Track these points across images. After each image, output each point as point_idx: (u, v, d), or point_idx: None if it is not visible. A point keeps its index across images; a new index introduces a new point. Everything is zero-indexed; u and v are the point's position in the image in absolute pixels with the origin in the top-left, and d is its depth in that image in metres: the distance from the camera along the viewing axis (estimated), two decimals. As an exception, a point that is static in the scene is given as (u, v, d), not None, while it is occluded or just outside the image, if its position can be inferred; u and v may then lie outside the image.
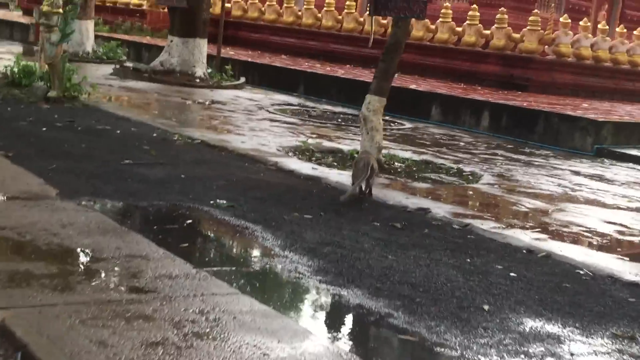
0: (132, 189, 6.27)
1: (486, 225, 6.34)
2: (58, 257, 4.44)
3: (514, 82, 17.95)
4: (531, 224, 6.62)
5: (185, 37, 16.33)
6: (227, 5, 25.44)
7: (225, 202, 6.14)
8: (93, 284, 4.07)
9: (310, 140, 10.19)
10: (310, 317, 4.21)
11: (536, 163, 10.72)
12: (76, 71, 11.64)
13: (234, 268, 4.77)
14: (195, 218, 5.76)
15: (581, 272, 5.34)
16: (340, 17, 22.24)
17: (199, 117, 11.50)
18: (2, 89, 11.30)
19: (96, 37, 22.04)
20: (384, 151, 9.73)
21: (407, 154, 10.06)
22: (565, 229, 6.60)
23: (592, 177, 9.96)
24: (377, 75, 9.03)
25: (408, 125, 13.56)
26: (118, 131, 9.03)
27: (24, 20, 25.93)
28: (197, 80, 16.13)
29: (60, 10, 10.95)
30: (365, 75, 17.25)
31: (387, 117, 14.14)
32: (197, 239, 5.47)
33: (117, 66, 16.74)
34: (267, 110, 13.23)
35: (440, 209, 6.75)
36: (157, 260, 4.50)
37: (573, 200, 8.06)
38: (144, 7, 26.82)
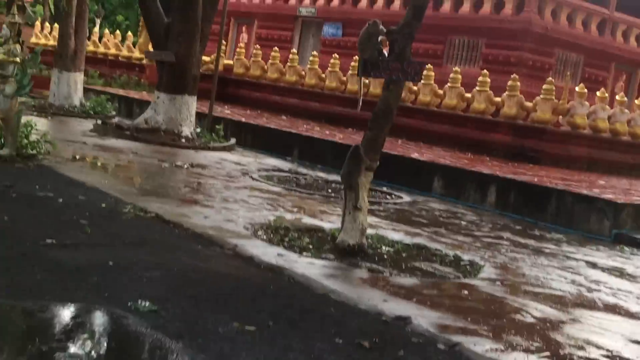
0: (33, 280, 4.98)
1: (480, 346, 4.99)
2: None
3: (525, 154, 16.70)
4: (538, 344, 5.25)
5: (173, 94, 15.23)
6: (229, 62, 24.58)
7: (148, 303, 4.83)
8: None
9: (288, 216, 8.93)
10: None
11: (547, 250, 9.38)
12: (34, 127, 10.45)
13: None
14: (93, 329, 4.44)
15: None
16: (344, 78, 21.17)
17: (169, 183, 10.26)
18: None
19: (88, 90, 21.12)
20: (371, 231, 8.47)
21: (398, 235, 8.76)
22: (580, 354, 5.23)
23: (611, 271, 8.60)
24: (364, 146, 7.78)
25: (406, 198, 12.28)
26: (60, 200, 7.78)
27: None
28: (183, 140, 14.96)
29: (18, 59, 9.79)
30: (359, 138, 16.04)
31: (384, 188, 12.99)
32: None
33: (100, 122, 15.60)
34: (251, 177, 12.00)
35: (425, 319, 5.41)
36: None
37: (590, 305, 6.70)
38: (144, 61, 25.87)
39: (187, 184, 10.33)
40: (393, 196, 12.36)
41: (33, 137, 10.31)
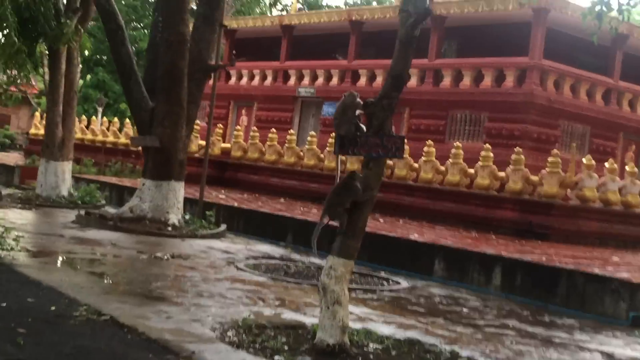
0: None
1: None
2: None
3: (532, 231, 15.82)
4: None
5: (159, 180, 14.52)
6: (227, 145, 24.01)
7: None
8: None
9: (268, 311, 8.06)
10: None
11: (557, 340, 8.41)
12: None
13: None
14: None
15: None
16: (344, 158, 20.43)
17: (140, 277, 9.41)
18: None
19: (80, 179, 20.51)
20: (358, 326, 7.60)
21: (389, 329, 7.84)
22: None
23: (630, 363, 7.63)
24: (341, 232, 6.94)
25: (404, 284, 11.36)
26: (4, 304, 6.93)
27: (11, 161, 24.49)
28: (170, 229, 14.16)
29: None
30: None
31: (382, 273, 12.10)
32: None
33: (83, 213, 14.85)
34: (237, 266, 11.15)
35: None
36: None
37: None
38: (140, 148, 25.29)
39: (161, 278, 9.48)
40: (390, 282, 11.46)
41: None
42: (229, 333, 6.90)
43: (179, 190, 14.70)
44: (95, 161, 24.92)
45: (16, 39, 14.01)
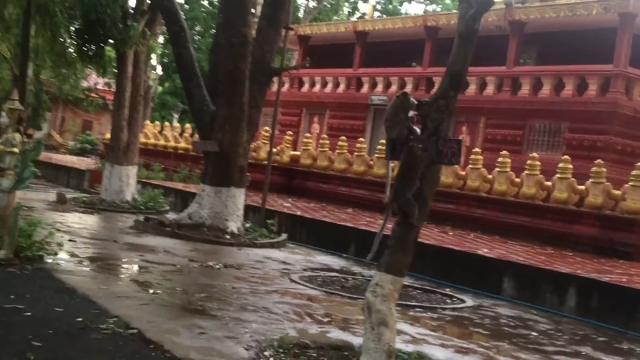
0: None
1: None
2: None
3: (613, 248, 14.78)
4: None
5: (218, 186, 14.09)
6: (296, 152, 23.54)
7: None
8: None
9: (313, 328, 7.47)
10: None
11: (635, 372, 7.56)
12: (40, 224, 9.32)
13: None
14: None
15: None
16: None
17: (185, 287, 8.92)
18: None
19: (147, 184, 20.31)
20: (411, 348, 6.96)
21: (445, 354, 7.14)
22: None
23: None
24: (390, 244, 6.27)
25: (469, 302, 10.59)
26: (29, 312, 6.51)
27: (84, 166, 24.52)
28: (228, 237, 13.70)
29: (16, 150, 8.74)
30: (432, 234, 14.49)
31: (447, 290, 11.36)
32: None
33: (142, 218, 14.52)
34: (291, 278, 10.58)
35: None
36: None
37: None
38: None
39: (206, 289, 8.97)
40: (454, 300, 10.69)
41: (35, 237, 9.13)
42: (266, 353, 6.31)
43: (239, 197, 14.24)
44: (165, 167, 24.76)
45: (65, 37, 13.77)
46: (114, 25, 16.42)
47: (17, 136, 8.68)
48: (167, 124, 30.88)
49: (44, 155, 31.70)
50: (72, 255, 9.99)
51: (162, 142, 28.47)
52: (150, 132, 29.47)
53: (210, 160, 14.19)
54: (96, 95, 43.05)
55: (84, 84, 39.29)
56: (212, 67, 14.75)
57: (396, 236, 6.27)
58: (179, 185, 20.80)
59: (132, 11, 17.35)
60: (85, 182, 22.92)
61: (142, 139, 29.08)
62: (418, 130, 6.38)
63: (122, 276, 9.21)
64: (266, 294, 9.20)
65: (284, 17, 14.42)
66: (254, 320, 7.50)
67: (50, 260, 9.10)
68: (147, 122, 31.99)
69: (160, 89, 49.77)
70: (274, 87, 19.93)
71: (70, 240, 11.34)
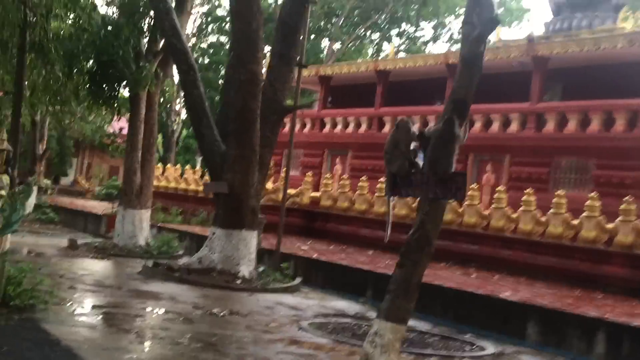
0: None
1: None
2: None
3: (646, 290, 13.99)
4: None
5: (229, 229, 13.60)
6: (316, 194, 23.04)
7: None
8: None
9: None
10: None
11: None
12: (29, 271, 8.83)
13: None
14: None
15: None
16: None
17: (180, 337, 8.35)
18: None
19: (162, 229, 19.88)
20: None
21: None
22: None
23: None
24: (391, 289, 5.70)
25: (490, 349, 9.90)
26: (-2, 368, 6.00)
27: (99, 210, 24.20)
28: (239, 282, 13.17)
29: (3, 192, 8.30)
30: (454, 276, 13.85)
31: (467, 336, 10.69)
32: None
33: (150, 263, 14.03)
34: (300, 326, 9.99)
35: None
36: None
37: None
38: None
39: (204, 338, 8.40)
40: (474, 347, 10.01)
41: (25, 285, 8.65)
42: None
43: (251, 240, 13.72)
44: (184, 210, 24.35)
45: (60, 74, 13.48)
46: (126, 66, 16.19)
47: (5, 178, 8.26)
48: (187, 167, 30.57)
49: (62, 200, 31.59)
50: (68, 303, 9.51)
51: (182, 185, 28.12)
52: (171, 176, 29.16)
53: (220, 202, 13.73)
54: (122, 141, 43.03)
55: (109, 129, 39.40)
56: (223, 106, 14.37)
57: (397, 280, 5.71)
58: (196, 229, 20.32)
59: (145, 52, 17.09)
60: (103, 227, 22.55)
61: (163, 183, 28.87)
62: (421, 163, 5.86)
63: (115, 326, 8.67)
64: (269, 343, 8.62)
65: (295, 53, 14.01)
66: (246, 375, 6.92)
67: (38, 309, 8.62)
68: (169, 165, 31.73)
69: (184, 132, 49.69)
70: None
71: (70, 288, 10.91)
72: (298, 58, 14.50)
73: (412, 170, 5.81)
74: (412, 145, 5.84)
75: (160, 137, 50.25)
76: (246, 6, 13.38)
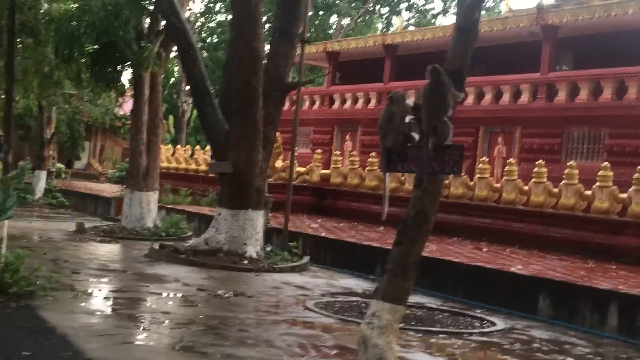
0: None
1: None
2: None
3: (661, 260, 13.72)
4: None
5: (235, 209, 13.40)
6: (326, 171, 22.82)
7: None
8: None
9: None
10: None
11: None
12: (27, 257, 8.67)
13: None
14: None
15: None
16: (447, 180, 18.80)
17: (181, 320, 8.19)
18: None
19: (171, 210, 19.74)
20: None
21: (463, 389, 6.27)
22: None
23: None
24: (389, 268, 5.49)
25: (500, 325, 9.69)
26: (-11, 358, 5.85)
27: (108, 194, 24.09)
28: (246, 262, 12.99)
29: (-5, 178, 8.14)
30: (464, 251, 13.64)
31: (478, 312, 10.48)
32: None
33: (157, 245, 13.89)
34: (305, 306, 9.81)
35: None
36: None
37: None
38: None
39: (206, 321, 8.24)
40: (484, 323, 9.81)
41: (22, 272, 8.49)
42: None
43: (257, 220, 13.53)
44: (194, 191, 24.20)
45: (52, 57, 13.26)
46: (127, 47, 15.92)
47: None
48: (197, 147, 30.40)
49: (75, 184, 31.57)
50: (70, 289, 9.37)
51: (192, 166, 27.96)
52: (181, 157, 29.00)
53: (225, 182, 13.53)
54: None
55: (120, 111, 39.25)
56: (224, 84, 14.13)
57: (395, 258, 5.49)
58: (205, 210, 20.17)
59: (147, 32, 16.86)
60: (112, 210, 22.45)
61: (174, 164, 28.72)
62: (417, 137, 5.63)
63: (116, 311, 8.52)
64: (273, 324, 8.45)
65: (297, 29, 13.74)
66: (249, 356, 6.75)
67: (37, 295, 8.48)
68: (179, 146, 31.57)
69: (195, 113, 49.47)
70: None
71: (74, 273, 10.75)
72: (300, 33, 14.24)
73: (409, 145, 5.58)
74: (408, 119, 5.61)
75: (171, 119, 50.14)
76: (245, -19, 13.12)
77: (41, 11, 13.67)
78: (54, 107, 25.75)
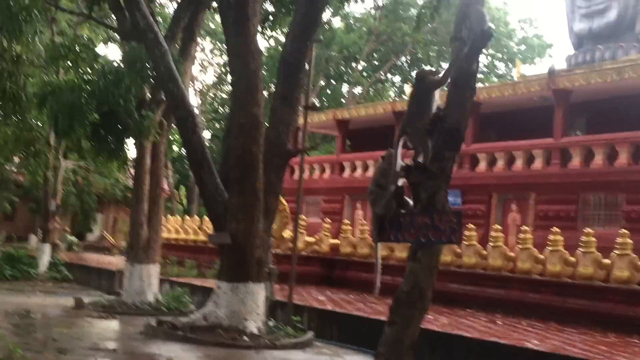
0: None
1: None
2: None
3: (686, 333, 12.92)
4: None
5: (235, 282, 12.78)
6: (336, 241, 22.24)
7: None
8: None
9: None
10: None
11: None
12: (3, 339, 8.09)
13: None
14: None
15: None
16: (459, 250, 18.14)
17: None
18: None
19: (175, 283, 19.12)
20: None
21: None
22: None
23: None
24: (381, 353, 4.86)
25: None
26: None
27: (113, 267, 23.53)
28: (246, 338, 12.31)
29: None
30: (477, 324, 12.91)
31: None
32: None
33: (154, 322, 13.24)
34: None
35: None
36: None
37: None
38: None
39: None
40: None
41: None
42: None
43: (259, 293, 12.89)
44: (199, 263, 23.62)
45: (32, 124, 12.88)
46: (129, 116, 15.56)
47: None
48: (206, 218, 29.88)
49: (84, 257, 30.99)
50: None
51: (200, 237, 27.43)
52: (190, 228, 28.50)
53: (224, 253, 12.96)
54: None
55: (131, 182, 38.96)
56: (225, 152, 13.69)
57: (388, 341, 4.88)
58: (210, 282, 19.51)
59: (149, 101, 16.53)
60: (117, 283, 21.85)
61: (182, 235, 28.18)
62: (411, 202, 5.07)
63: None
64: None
65: (298, 94, 13.35)
66: None
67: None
68: (187, 217, 31.10)
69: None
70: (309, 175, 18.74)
71: (60, 352, 10.14)
72: (304, 99, 13.86)
73: (402, 211, 5.01)
74: (400, 182, 5.06)
75: (183, 189, 49.86)
76: (243, 46, 12.76)
77: (29, 79, 13.32)
78: (59, 179, 25.41)
